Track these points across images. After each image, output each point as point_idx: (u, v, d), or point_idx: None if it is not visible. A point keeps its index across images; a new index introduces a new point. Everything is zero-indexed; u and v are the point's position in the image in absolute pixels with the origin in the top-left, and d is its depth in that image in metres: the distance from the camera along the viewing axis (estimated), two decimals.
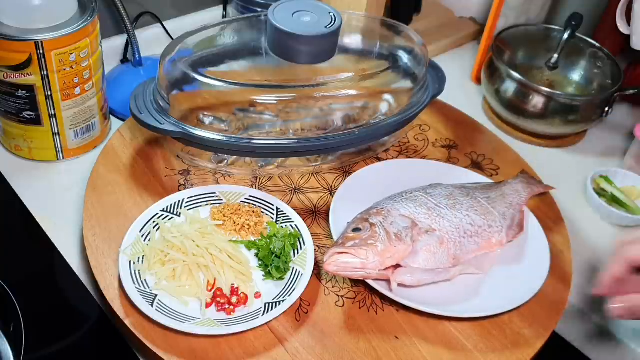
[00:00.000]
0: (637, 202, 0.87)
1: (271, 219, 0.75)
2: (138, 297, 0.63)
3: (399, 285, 0.67)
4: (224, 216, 0.74)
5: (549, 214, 0.81)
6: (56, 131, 0.79)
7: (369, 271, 0.65)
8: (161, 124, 0.73)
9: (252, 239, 0.72)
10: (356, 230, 0.67)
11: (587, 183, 0.88)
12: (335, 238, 0.71)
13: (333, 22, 0.75)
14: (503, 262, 0.73)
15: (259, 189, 0.79)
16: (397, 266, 0.67)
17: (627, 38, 0.97)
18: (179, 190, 0.76)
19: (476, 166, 0.88)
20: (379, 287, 0.67)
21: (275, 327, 0.65)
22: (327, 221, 0.75)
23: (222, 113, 0.78)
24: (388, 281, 0.67)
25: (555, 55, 1.01)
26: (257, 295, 0.67)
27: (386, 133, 0.82)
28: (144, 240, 0.69)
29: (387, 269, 0.66)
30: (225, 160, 0.80)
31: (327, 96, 0.79)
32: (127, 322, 0.62)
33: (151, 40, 1.00)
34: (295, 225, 0.73)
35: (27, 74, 0.73)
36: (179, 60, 0.74)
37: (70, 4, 0.74)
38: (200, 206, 0.75)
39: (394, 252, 0.66)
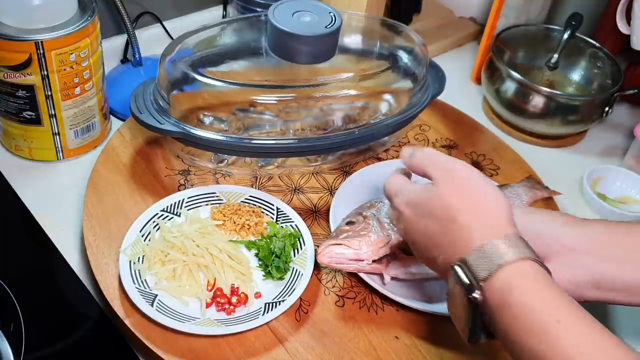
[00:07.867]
0: (633, 208, 0.87)
1: (271, 219, 0.75)
2: (138, 297, 0.63)
3: (392, 279, 0.67)
4: (224, 216, 0.74)
5: None
6: (56, 131, 0.79)
7: (362, 264, 0.65)
8: (161, 124, 0.73)
9: (252, 239, 0.72)
10: (350, 223, 0.68)
11: (584, 182, 0.88)
12: None
13: (333, 22, 0.75)
14: None
15: (259, 189, 0.79)
16: (390, 261, 0.67)
17: (627, 38, 0.97)
18: (179, 190, 0.76)
19: (476, 166, 0.88)
20: (379, 287, 0.67)
21: (275, 327, 0.65)
22: (327, 221, 0.75)
23: (222, 113, 0.78)
24: (381, 275, 0.67)
25: (555, 55, 1.01)
26: (257, 295, 0.67)
27: (386, 133, 0.82)
28: (144, 240, 0.69)
29: (380, 262, 0.66)
30: (225, 160, 0.80)
31: (327, 96, 0.79)
32: (127, 322, 0.62)
33: (151, 40, 1.00)
34: (296, 225, 0.73)
35: (27, 74, 0.73)
36: (179, 60, 0.74)
37: (70, 4, 0.74)
38: (200, 206, 0.75)
39: (387, 241, 0.66)
